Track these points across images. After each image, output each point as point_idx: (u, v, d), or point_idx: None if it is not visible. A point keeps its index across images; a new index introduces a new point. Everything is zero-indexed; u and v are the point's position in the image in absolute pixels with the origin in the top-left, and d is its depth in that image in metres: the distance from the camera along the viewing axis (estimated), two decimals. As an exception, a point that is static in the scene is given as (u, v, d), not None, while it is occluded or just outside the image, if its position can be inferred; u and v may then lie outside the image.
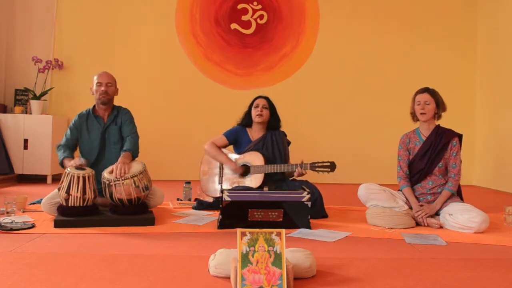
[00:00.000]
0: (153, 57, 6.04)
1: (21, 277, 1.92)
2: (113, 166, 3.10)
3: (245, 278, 1.75)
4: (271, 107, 3.75)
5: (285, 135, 3.79)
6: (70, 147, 3.40)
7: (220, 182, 3.70)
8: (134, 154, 3.31)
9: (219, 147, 3.76)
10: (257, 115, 3.68)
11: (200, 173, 3.82)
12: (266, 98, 3.77)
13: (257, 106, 3.70)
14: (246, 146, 3.72)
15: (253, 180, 3.57)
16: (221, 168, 3.73)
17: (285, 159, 3.69)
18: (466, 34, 6.19)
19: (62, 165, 3.29)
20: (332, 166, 3.46)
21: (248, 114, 3.78)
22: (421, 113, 3.26)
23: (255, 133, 3.76)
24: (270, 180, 3.57)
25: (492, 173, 5.74)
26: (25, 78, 5.83)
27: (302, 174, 3.48)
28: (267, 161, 3.61)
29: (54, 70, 5.84)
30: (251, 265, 1.76)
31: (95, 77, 3.41)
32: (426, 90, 3.30)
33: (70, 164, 3.14)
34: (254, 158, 3.62)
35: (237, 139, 3.77)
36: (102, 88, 3.37)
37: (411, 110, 3.36)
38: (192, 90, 6.04)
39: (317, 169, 3.47)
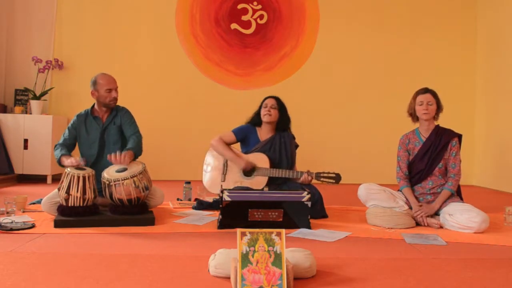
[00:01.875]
0: (153, 57, 6.04)
1: (21, 277, 1.92)
2: (113, 155, 3.11)
3: (245, 278, 1.75)
4: (280, 107, 3.72)
5: (294, 138, 3.78)
6: (67, 147, 3.39)
7: (223, 180, 3.68)
8: (137, 153, 3.32)
9: (227, 144, 3.75)
10: (265, 114, 3.67)
11: (204, 165, 3.79)
12: (276, 98, 3.75)
13: (265, 106, 3.69)
14: (253, 145, 3.71)
15: (256, 182, 3.56)
16: (226, 165, 3.71)
17: (292, 163, 3.69)
18: (466, 34, 6.19)
19: (59, 163, 3.28)
20: (337, 178, 3.50)
21: (257, 113, 3.76)
22: (424, 113, 3.25)
23: (264, 133, 3.74)
24: (273, 183, 3.56)
25: (492, 173, 5.74)
26: (25, 78, 5.83)
27: (309, 181, 3.48)
28: (273, 164, 3.60)
29: (54, 70, 5.84)
30: (251, 265, 1.76)
31: (101, 82, 3.36)
32: (428, 90, 3.31)
33: (69, 162, 3.14)
34: (260, 160, 3.61)
35: (245, 137, 3.75)
36: (114, 95, 3.38)
37: (410, 110, 3.36)
38: (192, 90, 6.04)
39: (322, 179, 3.50)
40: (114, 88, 3.39)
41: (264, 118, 3.67)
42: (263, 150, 3.65)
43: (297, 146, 3.81)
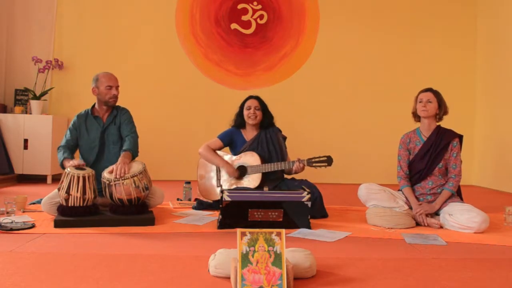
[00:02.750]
0: (153, 57, 6.04)
1: (21, 277, 1.92)
2: (113, 166, 3.10)
3: (245, 278, 1.75)
4: (262, 107, 3.74)
5: (280, 131, 3.79)
6: (70, 148, 3.39)
7: (219, 185, 3.70)
8: (134, 153, 3.31)
9: (214, 150, 3.76)
10: (250, 117, 3.68)
11: (198, 178, 3.82)
12: (257, 99, 3.76)
13: (249, 108, 3.69)
14: (241, 146, 3.72)
15: (251, 181, 3.57)
16: (218, 171, 3.72)
17: (282, 155, 3.69)
18: (466, 34, 6.19)
19: (62, 166, 3.29)
20: (328, 161, 3.46)
21: (239, 115, 3.77)
22: (423, 110, 3.26)
23: (249, 133, 3.76)
24: (268, 179, 3.58)
25: (492, 173, 5.74)
26: (25, 78, 5.83)
27: (301, 169, 3.48)
28: (263, 160, 3.61)
29: (54, 70, 5.84)
30: (251, 265, 1.76)
31: (102, 79, 3.37)
32: (429, 89, 3.32)
33: (70, 164, 3.14)
34: (250, 159, 3.62)
35: (232, 140, 3.78)
36: (114, 92, 3.38)
37: (413, 109, 3.37)
38: (192, 90, 6.04)
39: (314, 164, 3.48)
40: (114, 86, 3.39)
41: (249, 120, 3.69)
42: (251, 148, 3.67)
43: (285, 138, 3.81)
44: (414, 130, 3.41)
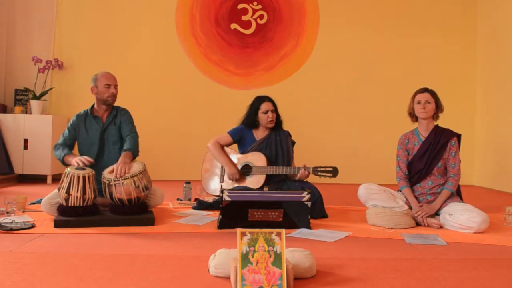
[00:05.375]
0: (153, 57, 6.04)
1: (21, 277, 1.92)
2: (114, 166, 3.10)
3: (245, 278, 1.75)
4: (276, 108, 3.72)
5: (290, 135, 3.78)
6: (68, 146, 3.39)
7: (221, 181, 3.70)
8: (134, 153, 3.31)
9: (223, 146, 3.75)
10: (269, 121, 3.65)
11: (202, 171, 3.82)
12: (271, 100, 3.71)
13: (266, 112, 3.64)
14: (250, 145, 3.72)
15: (255, 181, 3.57)
16: (223, 167, 3.73)
17: (288, 159, 3.68)
18: (466, 34, 6.19)
19: (63, 162, 3.28)
20: (334, 172, 3.48)
21: (252, 116, 3.71)
22: (422, 112, 3.25)
23: (259, 133, 3.75)
24: (271, 181, 3.57)
25: (492, 173, 5.73)
26: (25, 78, 5.83)
27: (306, 176, 3.48)
28: (269, 162, 3.61)
29: (54, 70, 5.84)
30: (251, 265, 1.76)
31: (101, 78, 3.38)
32: (426, 89, 3.31)
33: (76, 160, 3.13)
34: (257, 159, 3.62)
35: (241, 138, 3.76)
36: (112, 91, 3.38)
37: (410, 110, 3.36)
38: (192, 90, 6.04)
39: (319, 173, 3.50)
40: (113, 85, 3.39)
41: (268, 124, 3.66)
42: (259, 148, 3.66)
43: (293, 142, 3.80)
44: (412, 131, 3.41)
